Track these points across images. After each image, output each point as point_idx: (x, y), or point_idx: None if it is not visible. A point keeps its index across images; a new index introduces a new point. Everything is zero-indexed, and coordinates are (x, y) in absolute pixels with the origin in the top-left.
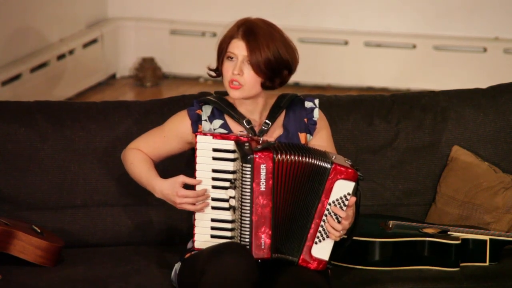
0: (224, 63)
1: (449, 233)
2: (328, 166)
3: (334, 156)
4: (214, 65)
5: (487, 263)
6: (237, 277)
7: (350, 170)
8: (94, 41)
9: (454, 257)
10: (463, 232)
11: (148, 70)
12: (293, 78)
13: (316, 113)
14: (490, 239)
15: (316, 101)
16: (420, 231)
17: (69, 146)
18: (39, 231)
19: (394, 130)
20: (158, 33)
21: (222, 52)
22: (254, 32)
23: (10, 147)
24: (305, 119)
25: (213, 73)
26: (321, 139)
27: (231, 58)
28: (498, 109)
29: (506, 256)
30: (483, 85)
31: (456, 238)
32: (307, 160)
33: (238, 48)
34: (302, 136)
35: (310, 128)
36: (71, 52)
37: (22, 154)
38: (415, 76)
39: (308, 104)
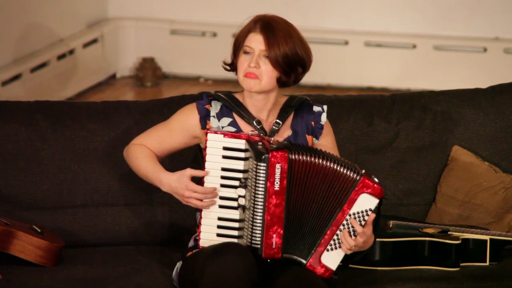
0: (240, 57)
1: (449, 233)
2: (358, 177)
3: (364, 170)
4: (219, 64)
5: (487, 263)
6: (236, 276)
7: (377, 186)
8: (94, 41)
9: (454, 257)
10: (463, 232)
11: (148, 70)
12: None
13: (324, 117)
14: (490, 239)
15: (325, 107)
16: (420, 231)
17: (69, 146)
18: (39, 231)
19: (394, 130)
20: (158, 33)
21: (239, 46)
22: (272, 26)
23: (10, 147)
24: (312, 123)
25: (227, 67)
26: (326, 142)
27: (248, 52)
28: (498, 109)
29: (506, 256)
30: (483, 85)
31: (456, 238)
32: (332, 166)
33: (256, 42)
34: (309, 139)
35: (317, 131)
36: (71, 52)
37: (22, 154)
38: (415, 76)
39: (316, 108)
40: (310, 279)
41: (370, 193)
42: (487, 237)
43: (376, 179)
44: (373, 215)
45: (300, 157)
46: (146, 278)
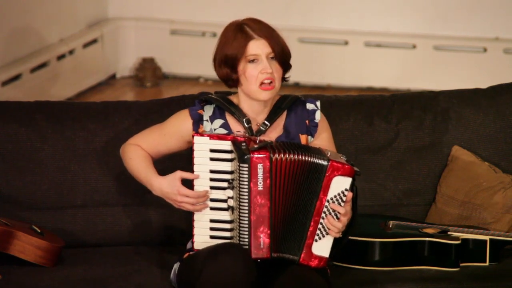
0: (247, 67)
1: (449, 233)
2: (325, 163)
3: (329, 153)
4: (210, 74)
5: (487, 263)
6: (234, 277)
7: (346, 166)
8: (94, 41)
9: (454, 257)
10: (463, 232)
11: (148, 70)
12: (293, 78)
13: (318, 115)
14: (490, 239)
15: (318, 103)
16: (420, 231)
17: (69, 146)
18: (39, 231)
19: (394, 130)
20: (158, 33)
21: (239, 60)
22: (265, 26)
23: (10, 147)
24: (307, 121)
25: (230, 82)
26: (322, 141)
27: (253, 60)
28: (498, 109)
29: (506, 256)
30: (483, 85)
31: (456, 238)
32: (304, 158)
33: (260, 47)
34: (303, 138)
35: (312, 130)
36: (71, 52)
37: (22, 154)
38: (415, 76)
39: (309, 106)
40: (309, 277)
41: (341, 175)
42: (487, 237)
43: (344, 158)
44: (350, 194)
45: (282, 155)
46: (145, 278)
